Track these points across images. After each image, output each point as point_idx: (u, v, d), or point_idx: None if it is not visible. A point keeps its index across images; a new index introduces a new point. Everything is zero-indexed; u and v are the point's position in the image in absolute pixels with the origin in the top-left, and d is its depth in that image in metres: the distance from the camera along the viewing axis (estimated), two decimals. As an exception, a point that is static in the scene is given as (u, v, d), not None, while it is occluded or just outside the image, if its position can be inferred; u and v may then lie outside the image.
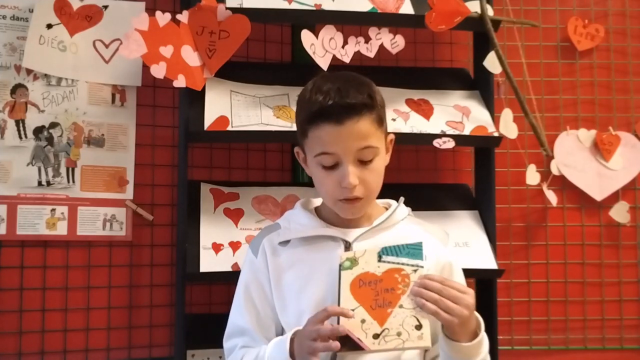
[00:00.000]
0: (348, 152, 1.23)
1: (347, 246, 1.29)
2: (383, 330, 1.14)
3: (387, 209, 1.37)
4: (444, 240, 1.38)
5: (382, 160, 1.29)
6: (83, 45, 1.91)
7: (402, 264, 1.19)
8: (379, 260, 1.20)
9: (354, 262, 1.21)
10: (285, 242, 1.33)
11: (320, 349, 1.13)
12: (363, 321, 1.15)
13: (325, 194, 1.29)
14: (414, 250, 1.20)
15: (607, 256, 2.19)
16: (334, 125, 1.22)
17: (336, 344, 1.12)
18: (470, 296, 1.16)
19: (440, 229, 1.41)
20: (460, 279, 1.33)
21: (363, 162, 1.25)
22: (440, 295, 1.13)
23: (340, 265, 1.22)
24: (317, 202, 1.40)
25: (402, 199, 1.38)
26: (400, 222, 1.34)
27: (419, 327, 1.13)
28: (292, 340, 1.20)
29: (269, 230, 1.38)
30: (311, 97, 1.26)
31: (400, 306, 1.15)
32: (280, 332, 1.32)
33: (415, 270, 1.18)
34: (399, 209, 1.36)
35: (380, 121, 1.28)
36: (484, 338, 1.20)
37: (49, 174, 1.86)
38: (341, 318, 1.16)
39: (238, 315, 1.34)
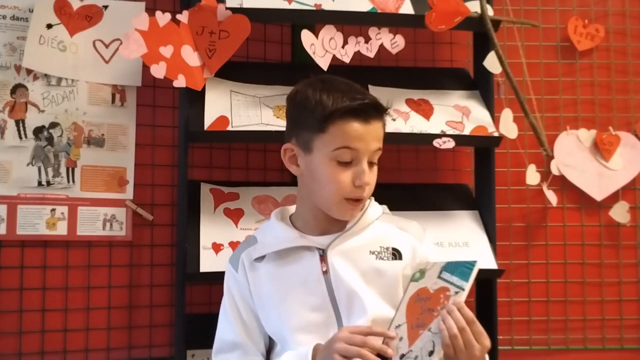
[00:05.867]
0: (367, 151, 1.25)
1: (322, 254, 1.28)
2: (408, 352, 1.13)
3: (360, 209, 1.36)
4: (420, 236, 1.35)
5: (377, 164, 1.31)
6: (83, 45, 1.91)
7: (452, 283, 1.16)
8: (439, 276, 1.18)
9: (422, 274, 1.21)
10: (261, 258, 1.33)
11: (362, 355, 1.13)
12: (401, 339, 1.15)
13: (335, 191, 1.25)
14: (466, 269, 1.16)
15: (607, 256, 2.19)
16: (362, 123, 1.24)
17: (384, 347, 1.14)
18: (485, 348, 1.13)
19: (416, 224, 1.38)
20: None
21: (370, 164, 1.27)
22: (461, 335, 1.10)
23: (412, 276, 1.23)
24: (292, 210, 1.40)
25: (372, 198, 1.36)
26: (374, 222, 1.33)
27: (431, 353, 1.11)
28: (314, 351, 1.20)
29: (246, 245, 1.38)
30: (325, 97, 1.26)
31: (429, 329, 1.13)
32: (269, 343, 1.34)
33: (457, 293, 1.14)
34: (371, 209, 1.35)
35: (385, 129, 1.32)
36: None
37: (49, 174, 1.86)
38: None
39: (226, 330, 1.34)
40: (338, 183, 1.25)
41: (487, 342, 1.14)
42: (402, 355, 1.13)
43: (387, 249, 1.30)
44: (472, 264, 1.16)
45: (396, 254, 1.30)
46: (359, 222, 1.31)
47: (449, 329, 1.11)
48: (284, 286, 1.29)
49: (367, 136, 1.25)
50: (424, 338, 1.12)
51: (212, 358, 1.37)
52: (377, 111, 1.27)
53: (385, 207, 1.40)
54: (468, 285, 1.14)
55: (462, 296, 1.13)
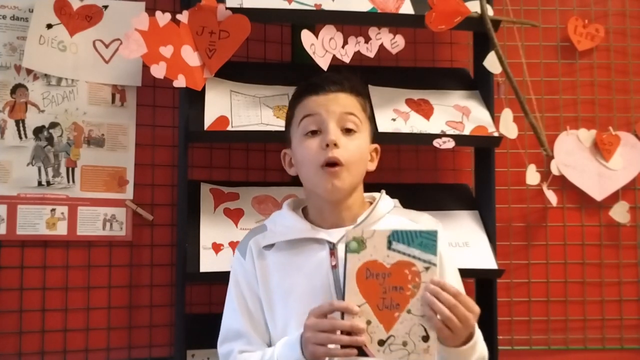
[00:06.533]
0: (331, 113, 1.29)
1: (332, 248, 1.28)
2: (389, 337, 1.09)
3: (371, 203, 1.36)
4: (433, 228, 1.35)
5: (365, 141, 1.33)
6: (83, 45, 1.91)
7: (414, 257, 1.10)
8: (389, 247, 1.11)
9: (361, 244, 1.12)
10: (270, 246, 1.33)
11: (333, 341, 1.10)
12: (369, 323, 1.10)
13: (309, 163, 1.28)
14: (427, 240, 1.11)
15: (607, 256, 2.19)
16: (318, 95, 1.31)
17: (353, 339, 1.09)
18: (476, 315, 1.13)
19: (428, 217, 1.38)
20: (450, 270, 1.32)
21: (346, 131, 1.29)
22: (451, 312, 1.09)
23: (346, 246, 1.13)
24: (305, 202, 1.40)
25: (383, 191, 1.37)
26: (385, 216, 1.33)
27: (425, 338, 1.09)
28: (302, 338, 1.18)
29: (255, 232, 1.38)
30: (296, 90, 1.36)
31: (409, 311, 1.09)
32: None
33: (427, 268, 1.10)
34: (382, 202, 1.35)
35: (365, 109, 1.35)
36: (479, 338, 1.18)
37: (49, 174, 1.86)
38: (345, 315, 1.11)
39: (232, 319, 1.33)
40: (309, 150, 1.28)
41: (477, 308, 1.14)
42: (382, 342, 1.09)
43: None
44: (432, 233, 1.11)
45: None
46: (370, 216, 1.31)
47: (442, 313, 1.09)
48: (292, 278, 1.29)
49: (328, 102, 1.30)
50: (405, 322, 1.08)
51: (218, 347, 1.35)
52: (335, 84, 1.32)
53: (396, 200, 1.40)
54: (437, 259, 1.10)
55: (435, 272, 1.09)
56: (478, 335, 1.19)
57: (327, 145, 1.26)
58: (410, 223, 1.33)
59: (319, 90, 1.31)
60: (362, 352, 1.09)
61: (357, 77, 1.37)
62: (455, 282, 1.30)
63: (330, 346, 1.11)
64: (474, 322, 1.14)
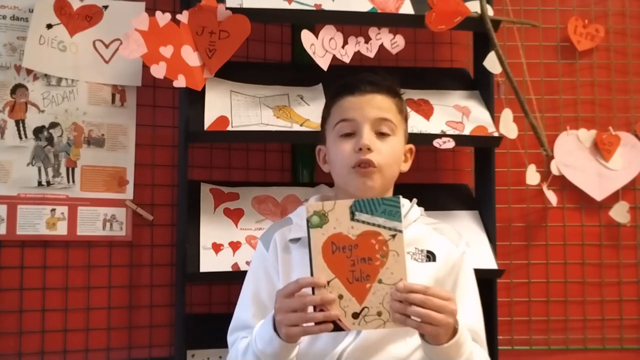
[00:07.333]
0: (366, 118, 1.29)
1: None
2: (363, 309, 1.07)
3: None
4: (456, 240, 1.36)
5: (399, 144, 1.32)
6: (83, 45, 1.91)
7: (379, 225, 1.07)
8: (352, 219, 1.08)
9: (323, 217, 1.09)
10: (296, 240, 1.33)
11: (306, 319, 1.08)
12: (341, 297, 1.08)
13: (341, 164, 1.30)
14: (391, 207, 1.08)
15: (607, 256, 2.19)
16: (354, 96, 1.30)
17: (327, 314, 1.07)
18: (453, 302, 1.11)
19: (452, 229, 1.39)
20: (468, 278, 1.32)
21: (380, 135, 1.29)
22: (424, 307, 1.07)
23: (307, 221, 1.10)
24: (332, 199, 1.40)
25: (415, 200, 1.38)
26: (411, 224, 1.33)
27: None
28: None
29: (280, 225, 1.38)
30: (333, 89, 1.35)
31: (380, 281, 1.07)
32: None
33: (393, 236, 1.07)
34: (413, 210, 1.36)
35: (401, 110, 1.34)
36: (462, 333, 1.15)
37: (49, 174, 1.86)
38: (315, 290, 1.09)
39: (244, 309, 1.34)
40: (342, 153, 1.29)
41: (451, 294, 1.12)
42: (356, 314, 1.07)
43: (422, 251, 1.30)
44: (394, 200, 1.08)
45: (430, 256, 1.30)
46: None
47: (417, 314, 1.07)
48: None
49: (363, 105, 1.29)
50: (378, 292, 1.07)
51: (227, 336, 1.36)
52: (371, 84, 1.31)
53: (422, 209, 1.40)
54: (403, 225, 1.07)
55: (402, 239, 1.07)
56: (464, 336, 1.16)
57: (360, 149, 1.27)
58: (435, 233, 1.34)
59: (354, 90, 1.31)
60: (337, 327, 1.08)
61: (395, 78, 1.38)
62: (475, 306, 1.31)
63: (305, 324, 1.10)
64: (454, 307, 1.11)
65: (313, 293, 1.09)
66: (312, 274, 1.09)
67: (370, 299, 1.07)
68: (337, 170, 1.33)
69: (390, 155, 1.30)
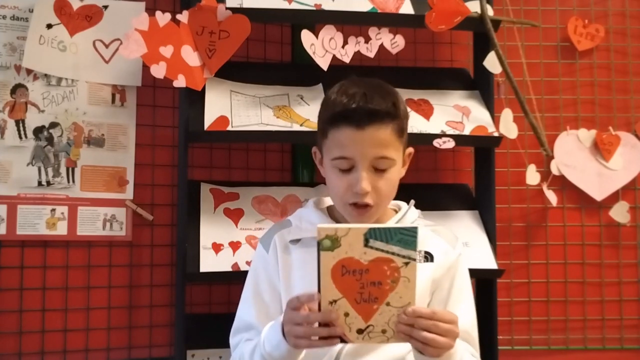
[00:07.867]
0: (364, 157, 1.24)
1: None
2: (368, 327, 1.08)
3: (396, 211, 1.37)
4: (452, 243, 1.36)
5: (397, 171, 1.29)
6: (83, 45, 1.91)
7: (393, 253, 1.06)
8: (366, 245, 1.06)
9: (335, 242, 1.06)
10: (296, 241, 1.33)
11: (310, 334, 1.10)
12: (346, 315, 1.08)
13: (336, 196, 1.29)
14: (407, 237, 1.06)
15: (607, 256, 2.19)
16: (354, 129, 1.23)
17: (332, 330, 1.08)
18: (456, 325, 1.12)
19: (449, 231, 1.39)
20: (464, 279, 1.33)
21: (378, 170, 1.25)
22: (430, 332, 1.08)
23: (318, 244, 1.07)
24: (330, 201, 1.40)
25: (412, 202, 1.38)
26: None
27: None
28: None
29: (280, 227, 1.38)
30: (336, 98, 1.27)
31: (388, 304, 1.08)
32: None
33: (406, 263, 1.06)
34: (410, 212, 1.36)
35: (401, 132, 1.28)
36: (458, 347, 1.16)
37: (49, 174, 1.86)
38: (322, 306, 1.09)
39: (246, 311, 1.34)
40: (338, 189, 1.27)
41: (454, 316, 1.12)
42: (361, 330, 1.08)
43: (420, 252, 1.29)
44: (412, 230, 1.06)
45: (428, 257, 1.30)
46: (398, 224, 1.32)
47: (424, 339, 1.08)
48: (313, 276, 1.28)
49: (362, 142, 1.23)
50: (384, 313, 1.07)
51: (230, 337, 1.36)
52: (370, 116, 1.23)
53: (419, 211, 1.40)
54: (417, 254, 1.06)
55: (415, 267, 1.06)
56: (459, 347, 1.17)
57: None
58: (432, 234, 1.34)
59: (353, 123, 1.23)
60: (341, 339, 1.10)
61: (391, 91, 1.30)
62: (469, 308, 1.32)
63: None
64: (458, 330, 1.12)
65: (319, 308, 1.09)
66: (319, 291, 1.09)
67: (376, 319, 1.08)
68: (332, 197, 1.33)
69: (388, 190, 1.28)
